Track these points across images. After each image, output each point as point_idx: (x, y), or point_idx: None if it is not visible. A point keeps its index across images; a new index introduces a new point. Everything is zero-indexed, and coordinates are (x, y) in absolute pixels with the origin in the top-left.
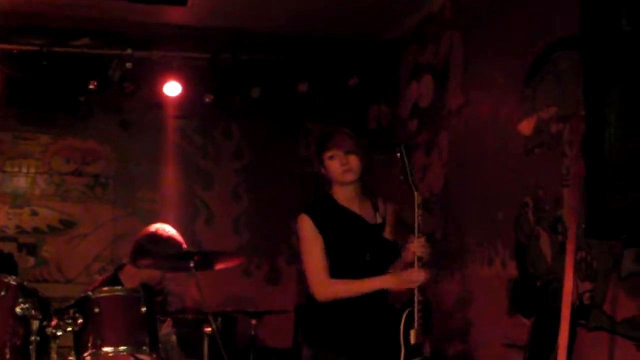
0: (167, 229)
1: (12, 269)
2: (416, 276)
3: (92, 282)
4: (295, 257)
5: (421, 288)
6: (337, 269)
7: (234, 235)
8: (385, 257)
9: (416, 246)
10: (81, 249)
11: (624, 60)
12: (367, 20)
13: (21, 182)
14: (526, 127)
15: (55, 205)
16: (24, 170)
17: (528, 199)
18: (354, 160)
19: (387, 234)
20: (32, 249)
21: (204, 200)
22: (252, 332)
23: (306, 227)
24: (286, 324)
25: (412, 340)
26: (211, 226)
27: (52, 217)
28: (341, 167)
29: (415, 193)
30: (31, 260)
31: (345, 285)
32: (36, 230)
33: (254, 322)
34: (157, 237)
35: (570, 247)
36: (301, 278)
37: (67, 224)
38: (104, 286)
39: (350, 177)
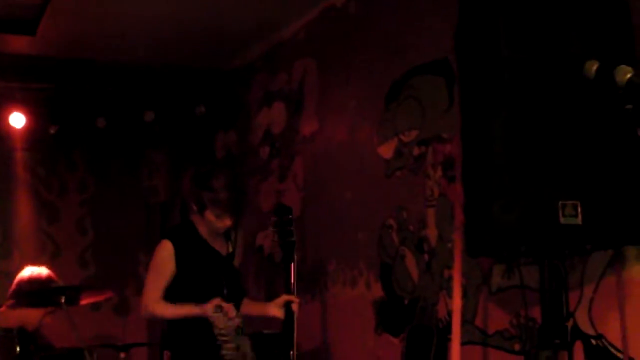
0: (42, 271)
1: None
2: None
3: None
4: (142, 288)
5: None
6: (196, 301)
7: (80, 268)
8: (237, 288)
9: (297, 308)
10: None
11: (504, 85)
12: (214, 48)
13: None
14: (386, 150)
15: None
16: None
17: (391, 220)
18: (229, 220)
19: (236, 261)
20: None
21: (50, 234)
22: None
23: (164, 253)
24: (143, 356)
25: None
26: (58, 260)
27: None
28: (221, 223)
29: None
30: None
31: (172, 310)
32: None
33: (122, 355)
34: (34, 278)
35: (457, 265)
36: None
37: None
38: None
39: (222, 230)
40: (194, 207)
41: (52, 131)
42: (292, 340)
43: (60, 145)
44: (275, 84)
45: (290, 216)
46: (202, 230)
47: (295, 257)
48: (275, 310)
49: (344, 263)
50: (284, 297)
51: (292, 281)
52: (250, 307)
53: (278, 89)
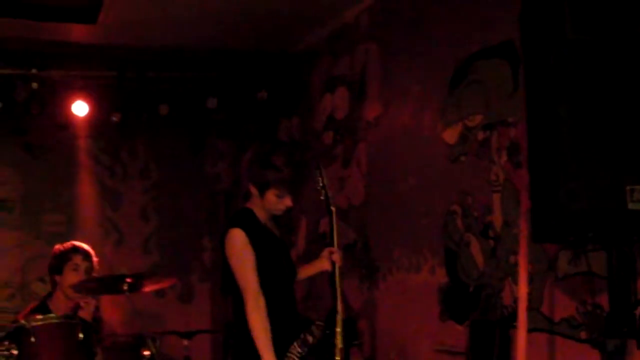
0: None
1: None
2: None
3: (2, 310)
4: (208, 274)
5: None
6: (266, 285)
7: (144, 255)
8: (295, 274)
9: (337, 258)
10: None
11: (570, 68)
12: (276, 32)
13: None
14: (451, 135)
15: None
16: None
17: (455, 206)
18: (290, 200)
19: (299, 248)
20: None
21: (113, 221)
22: (186, 353)
23: (241, 240)
24: (206, 343)
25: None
26: (121, 247)
27: None
28: (282, 204)
29: (333, 208)
30: None
31: (264, 334)
32: None
33: (185, 342)
34: (73, 247)
35: (523, 251)
36: (215, 295)
37: None
38: (30, 315)
39: (282, 211)
40: (254, 190)
41: (115, 119)
42: (336, 291)
43: (123, 133)
44: (338, 69)
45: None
46: (260, 215)
47: (333, 209)
48: (323, 263)
49: (408, 249)
50: (326, 249)
51: (329, 232)
52: (305, 272)
53: (341, 73)
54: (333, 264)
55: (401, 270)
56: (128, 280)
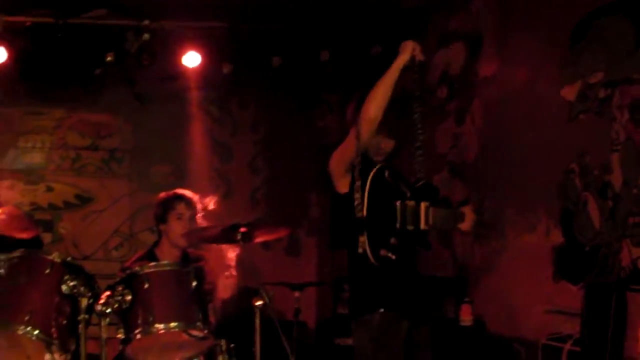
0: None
1: (38, 247)
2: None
3: (108, 258)
4: (315, 228)
5: None
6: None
7: (252, 208)
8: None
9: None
10: (98, 225)
11: None
12: None
13: (35, 158)
14: (570, 92)
15: (71, 181)
16: (38, 145)
17: (574, 165)
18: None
19: None
20: (48, 226)
21: (222, 173)
22: (296, 305)
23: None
24: (313, 296)
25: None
26: (229, 199)
27: (68, 193)
28: (384, 144)
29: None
30: (48, 237)
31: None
32: (52, 206)
33: (296, 294)
34: (178, 194)
35: None
36: (321, 250)
37: (83, 200)
38: (141, 262)
39: (385, 153)
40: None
41: (226, 70)
42: None
43: (234, 85)
44: (454, 24)
45: None
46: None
47: None
48: None
49: (523, 208)
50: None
51: None
52: None
53: (456, 28)
54: None
55: (515, 229)
56: (242, 229)
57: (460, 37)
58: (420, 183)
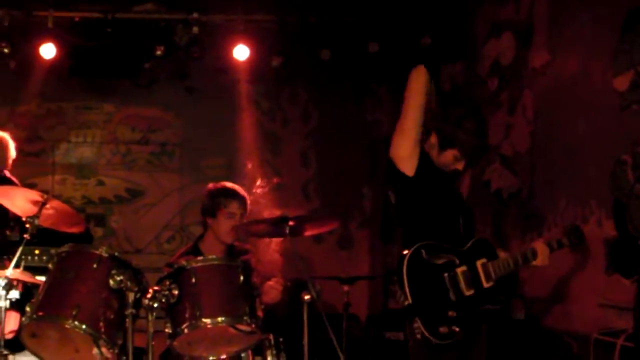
0: (235, 186)
1: (88, 242)
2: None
3: (161, 251)
4: (367, 221)
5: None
6: (432, 231)
7: (303, 201)
8: (472, 227)
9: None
10: (149, 219)
11: None
12: None
13: (86, 152)
14: (622, 82)
15: (122, 175)
16: (89, 140)
17: (626, 156)
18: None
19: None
20: (100, 220)
21: (273, 165)
22: (346, 299)
23: (422, 82)
24: (364, 289)
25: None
26: (281, 192)
27: (119, 187)
28: (453, 165)
29: None
30: (99, 232)
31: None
32: (103, 200)
33: (346, 288)
34: (227, 188)
35: None
36: (374, 243)
37: (134, 194)
38: (186, 256)
39: (450, 170)
40: (435, 141)
41: (275, 63)
42: None
43: (283, 77)
44: (504, 14)
45: None
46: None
47: None
48: None
49: (575, 199)
50: None
51: None
52: None
53: (506, 19)
54: None
55: (566, 220)
56: (290, 223)
57: (510, 27)
58: (468, 245)
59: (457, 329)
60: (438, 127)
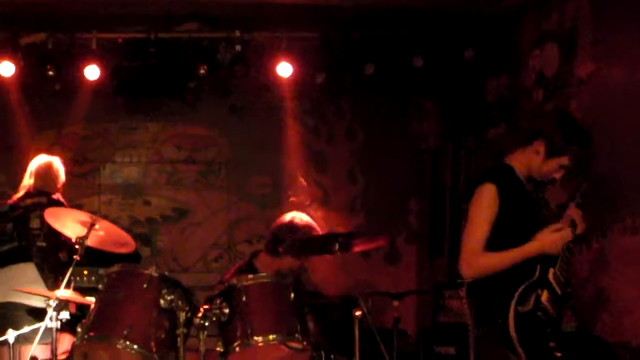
0: (303, 217)
1: (137, 261)
2: (565, 234)
3: (208, 270)
4: (414, 236)
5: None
6: (507, 244)
7: (350, 216)
8: None
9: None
10: (196, 237)
11: None
12: None
13: (132, 172)
14: None
15: (168, 194)
16: (135, 159)
17: None
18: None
19: None
20: (146, 240)
21: (319, 182)
22: (395, 314)
23: (490, 196)
24: (413, 304)
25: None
26: (327, 208)
27: (165, 206)
28: (552, 175)
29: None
30: (146, 251)
31: (500, 256)
32: (149, 220)
33: (395, 303)
34: (292, 226)
35: None
36: (421, 257)
37: (181, 213)
38: (240, 274)
39: (546, 180)
40: (540, 148)
41: (319, 79)
42: None
43: (328, 93)
44: (547, 25)
45: None
46: (521, 172)
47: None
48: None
49: (627, 208)
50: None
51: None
52: None
53: (550, 29)
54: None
55: (623, 230)
56: (340, 239)
57: (554, 38)
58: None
59: (559, 354)
60: (549, 136)
